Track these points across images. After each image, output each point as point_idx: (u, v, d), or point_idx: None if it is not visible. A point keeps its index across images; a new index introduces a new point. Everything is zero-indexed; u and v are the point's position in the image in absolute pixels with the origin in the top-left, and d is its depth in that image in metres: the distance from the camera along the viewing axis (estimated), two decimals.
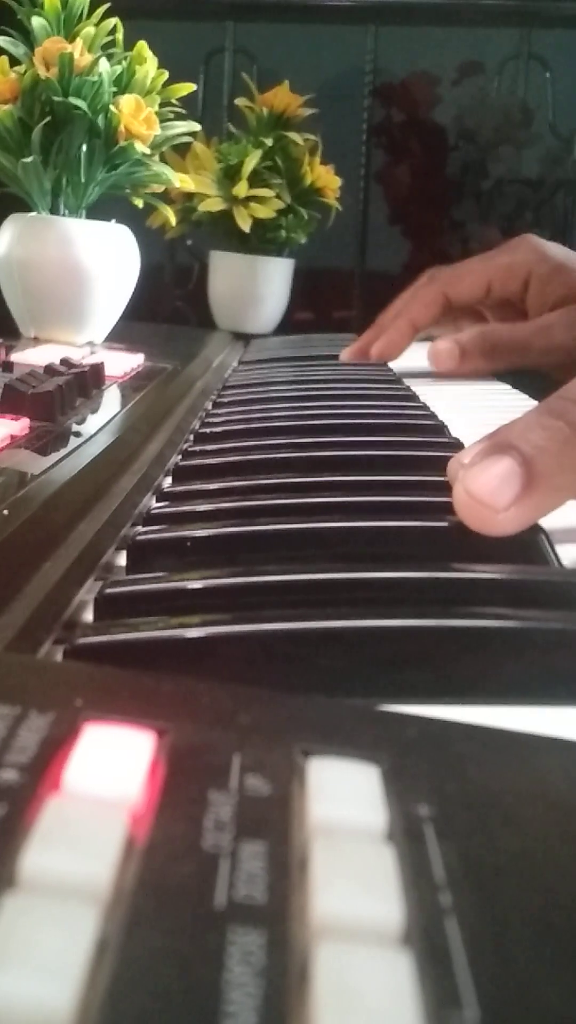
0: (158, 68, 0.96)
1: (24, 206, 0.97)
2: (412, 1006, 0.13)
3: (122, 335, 1.01)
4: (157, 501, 0.46)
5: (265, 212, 1.29)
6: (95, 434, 0.51)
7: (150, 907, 0.14)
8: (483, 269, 0.91)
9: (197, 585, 0.33)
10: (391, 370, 0.89)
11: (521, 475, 0.35)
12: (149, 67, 0.95)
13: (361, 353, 0.96)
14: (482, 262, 0.92)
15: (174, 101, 0.99)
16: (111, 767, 0.17)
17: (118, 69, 0.93)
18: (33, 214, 0.96)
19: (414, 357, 0.93)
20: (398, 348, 0.93)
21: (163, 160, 1.01)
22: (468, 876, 0.15)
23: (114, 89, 0.92)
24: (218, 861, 0.15)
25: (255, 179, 1.29)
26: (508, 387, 0.87)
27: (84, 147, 0.93)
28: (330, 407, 0.67)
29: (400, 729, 0.20)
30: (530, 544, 0.37)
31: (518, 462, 0.35)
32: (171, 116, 0.98)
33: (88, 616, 0.33)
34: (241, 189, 1.28)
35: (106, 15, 0.93)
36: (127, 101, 0.91)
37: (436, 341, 0.89)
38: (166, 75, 0.97)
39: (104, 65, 0.90)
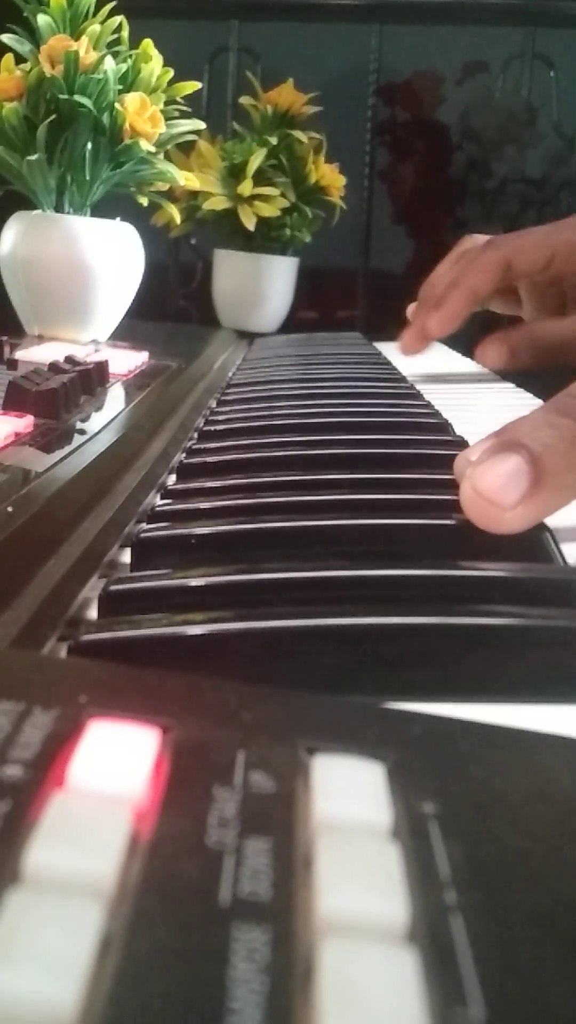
0: (163, 66, 0.96)
1: (29, 204, 0.97)
2: (417, 1003, 0.13)
3: (126, 333, 1.01)
4: (161, 498, 0.46)
5: (269, 210, 1.29)
6: (99, 432, 0.51)
7: (154, 904, 0.14)
8: (547, 242, 0.83)
9: (201, 582, 0.33)
10: (395, 368, 0.89)
11: (529, 473, 0.35)
12: (154, 65, 0.95)
13: (420, 336, 0.90)
14: (546, 234, 0.84)
15: (179, 99, 0.99)
16: (115, 763, 0.17)
17: (123, 67, 0.93)
18: (38, 212, 0.96)
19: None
20: (458, 319, 0.86)
21: (168, 158, 1.01)
22: (473, 874, 0.15)
23: (119, 87, 0.92)
24: (222, 858, 0.15)
25: (259, 177, 1.29)
26: (512, 385, 0.87)
27: (89, 145, 0.93)
28: (334, 405, 0.67)
29: (405, 727, 0.20)
30: (535, 542, 0.37)
31: (526, 460, 0.35)
32: (176, 114, 0.98)
33: (92, 613, 0.33)
34: (245, 187, 1.28)
35: (111, 13, 0.94)
36: (132, 99, 0.91)
37: (484, 341, 0.85)
38: (171, 73, 0.97)
39: (109, 63, 0.90)
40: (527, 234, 0.85)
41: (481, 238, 0.89)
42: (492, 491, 0.35)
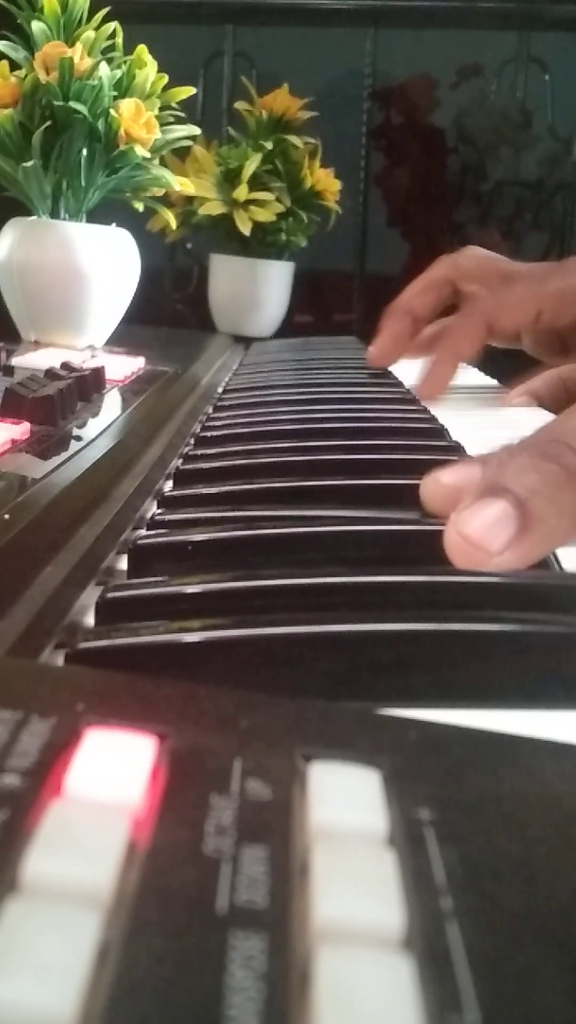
0: (158, 72, 0.96)
1: (25, 210, 0.97)
2: (413, 1010, 0.13)
3: (122, 338, 1.01)
4: (158, 505, 0.46)
5: (265, 215, 1.30)
6: (96, 438, 0.51)
7: (152, 911, 0.14)
8: (533, 297, 0.80)
9: (198, 589, 0.33)
10: (391, 373, 0.89)
11: (516, 518, 0.35)
12: (149, 71, 0.95)
13: (389, 359, 0.90)
14: (531, 288, 0.82)
15: (174, 105, 0.99)
16: (113, 772, 0.17)
17: (118, 73, 0.93)
18: (33, 218, 0.96)
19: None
20: (444, 384, 0.83)
21: (163, 164, 1.01)
22: (469, 880, 0.15)
23: (114, 93, 0.92)
24: (219, 865, 0.15)
25: (255, 182, 1.29)
26: (506, 389, 0.87)
27: (84, 151, 0.93)
28: (331, 410, 0.67)
29: (401, 733, 0.20)
30: None
31: (512, 505, 0.35)
32: (171, 120, 0.98)
33: (89, 620, 0.33)
34: (241, 192, 1.28)
35: (106, 19, 0.94)
36: (127, 105, 0.91)
37: (511, 392, 0.83)
38: (166, 79, 0.97)
39: (104, 69, 0.90)
40: (510, 288, 0.83)
41: (454, 259, 0.89)
42: (478, 536, 0.34)
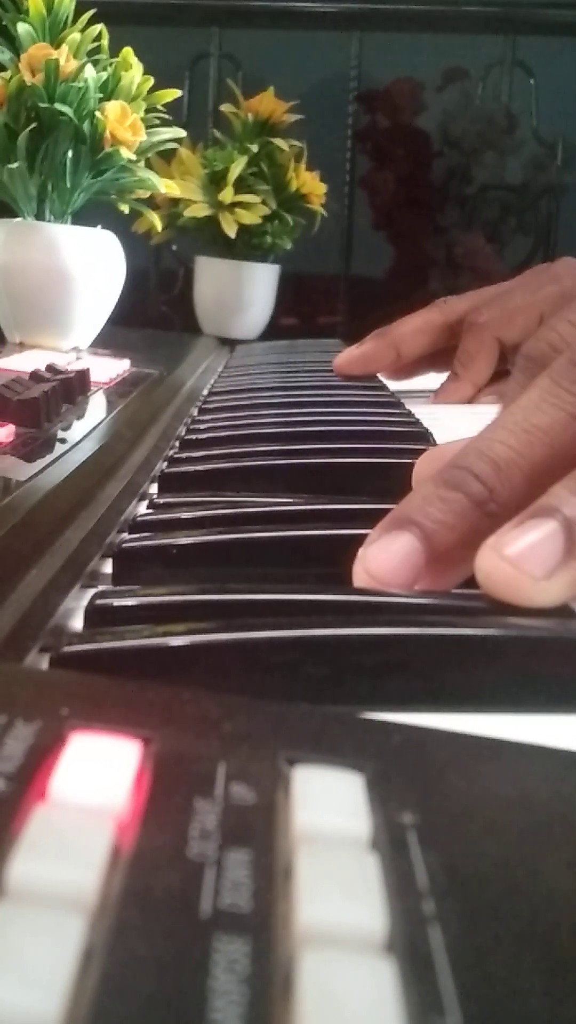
0: (143, 74, 0.96)
1: (9, 212, 0.97)
2: (395, 1013, 0.13)
3: (108, 340, 1.01)
4: (143, 508, 0.46)
5: (250, 218, 1.30)
6: (81, 441, 0.51)
7: (136, 915, 0.14)
8: (533, 304, 0.80)
9: (183, 594, 0.33)
10: (376, 377, 0.89)
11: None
12: (134, 73, 0.95)
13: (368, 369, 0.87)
14: (528, 296, 0.81)
15: (159, 107, 0.99)
16: (97, 776, 0.17)
17: (103, 75, 0.93)
18: (19, 220, 0.96)
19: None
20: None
21: (149, 166, 1.01)
22: (451, 884, 0.15)
23: (100, 95, 0.92)
24: (203, 869, 0.15)
25: (240, 185, 1.30)
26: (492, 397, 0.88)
27: (70, 153, 0.93)
28: (316, 414, 0.67)
29: (384, 737, 0.20)
30: None
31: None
32: (156, 122, 0.98)
33: (75, 623, 0.33)
34: (227, 195, 1.28)
35: (91, 21, 0.94)
36: (113, 107, 0.91)
37: (483, 392, 0.82)
38: (151, 81, 0.97)
39: (90, 71, 0.90)
40: (507, 300, 0.82)
41: (452, 303, 0.86)
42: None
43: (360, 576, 0.34)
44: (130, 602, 0.34)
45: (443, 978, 0.13)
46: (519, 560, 0.31)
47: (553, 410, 0.36)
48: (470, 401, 0.83)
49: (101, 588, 0.35)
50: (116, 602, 0.33)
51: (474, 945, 0.14)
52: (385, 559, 0.33)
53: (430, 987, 0.13)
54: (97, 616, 0.33)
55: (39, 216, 0.96)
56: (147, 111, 0.97)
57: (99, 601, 0.33)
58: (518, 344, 0.79)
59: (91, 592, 0.34)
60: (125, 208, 1.01)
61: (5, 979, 0.13)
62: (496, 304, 0.82)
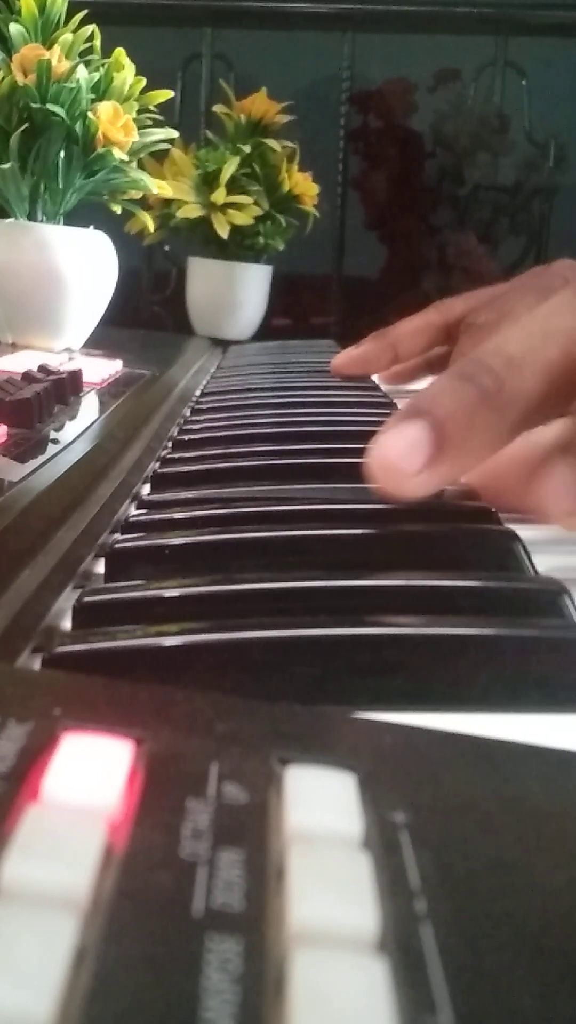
0: (136, 74, 0.96)
1: (1, 212, 0.97)
2: (387, 1012, 0.13)
3: (100, 341, 1.01)
4: (135, 509, 0.46)
5: (243, 219, 1.30)
6: (73, 441, 0.51)
7: (128, 915, 0.14)
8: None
9: (175, 593, 0.33)
10: (369, 378, 0.89)
11: (431, 440, 0.35)
12: (127, 74, 0.95)
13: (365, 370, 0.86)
14: (530, 303, 0.80)
15: (152, 108, 0.99)
16: (89, 776, 0.17)
17: (96, 76, 0.93)
18: (11, 220, 0.96)
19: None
20: None
21: (141, 167, 1.01)
22: (443, 883, 0.15)
23: (92, 96, 0.92)
24: (196, 869, 0.15)
25: (233, 186, 1.30)
26: None
27: (62, 154, 0.93)
28: (308, 414, 0.67)
29: (376, 737, 0.20)
30: (506, 552, 0.37)
31: (429, 426, 0.35)
32: (149, 123, 0.98)
33: (67, 624, 0.33)
34: (219, 196, 1.28)
35: (83, 22, 0.94)
36: (105, 108, 0.91)
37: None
38: (144, 82, 0.97)
39: (82, 72, 0.90)
40: (504, 303, 0.77)
41: (449, 304, 0.85)
42: (395, 457, 0.35)
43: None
44: (117, 599, 0.34)
45: (435, 977, 0.13)
46: (393, 460, 0.35)
47: (571, 316, 0.37)
48: None
49: (89, 586, 0.35)
50: (104, 599, 0.33)
51: (466, 944, 0.14)
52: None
53: (422, 986, 0.13)
54: (85, 614, 0.33)
55: (31, 217, 0.96)
56: (139, 112, 0.97)
57: (87, 599, 0.33)
58: None
59: None
60: (117, 209, 1.01)
61: None
62: (495, 306, 0.82)
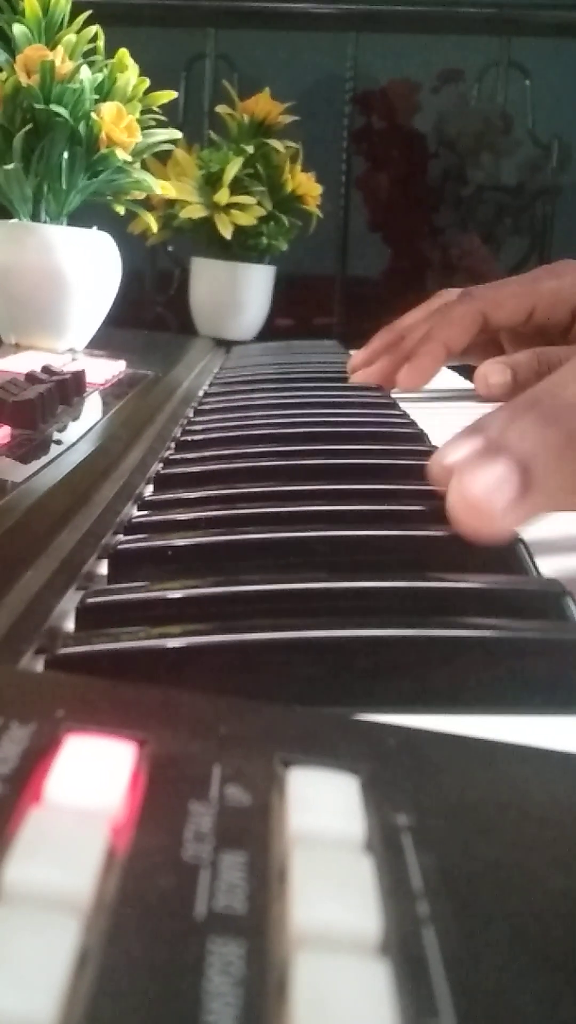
0: (139, 75, 0.96)
1: (5, 213, 0.97)
2: (390, 1015, 0.13)
3: (103, 342, 1.01)
4: (138, 510, 0.46)
5: (246, 219, 1.30)
6: (76, 442, 0.51)
7: (131, 918, 0.14)
8: (527, 292, 0.80)
9: (177, 594, 0.33)
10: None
11: (518, 479, 0.35)
12: (130, 75, 0.95)
13: (384, 378, 0.84)
14: (525, 285, 0.81)
15: (155, 108, 0.99)
16: (92, 778, 0.17)
17: (99, 77, 0.93)
18: (14, 221, 0.96)
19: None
20: (428, 375, 0.81)
21: (144, 167, 1.01)
22: (445, 885, 0.16)
23: (95, 97, 0.92)
24: (198, 872, 0.15)
25: (236, 186, 1.30)
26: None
27: (65, 154, 0.93)
28: (311, 415, 0.67)
29: (379, 739, 0.20)
30: (509, 554, 0.37)
31: (514, 466, 0.35)
32: (152, 123, 0.98)
33: (69, 625, 0.33)
34: (222, 196, 1.28)
35: (87, 22, 0.94)
36: (108, 108, 0.91)
37: (485, 363, 0.79)
38: (147, 83, 0.97)
39: (85, 73, 0.90)
40: (504, 285, 0.82)
41: (456, 292, 0.86)
42: (481, 496, 0.35)
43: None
44: (120, 600, 0.34)
45: (437, 980, 0.14)
46: (478, 499, 0.35)
47: None
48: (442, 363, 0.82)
49: (92, 587, 0.35)
50: (107, 600, 0.33)
51: (468, 947, 0.14)
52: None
53: (424, 989, 0.13)
54: (88, 615, 0.33)
55: (35, 217, 0.96)
56: (143, 112, 0.97)
57: (90, 600, 0.33)
58: (504, 326, 0.80)
59: None
60: (121, 209, 1.01)
61: (0, 982, 0.13)
62: (491, 286, 0.83)
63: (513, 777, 0.19)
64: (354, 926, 0.14)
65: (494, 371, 0.77)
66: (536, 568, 0.38)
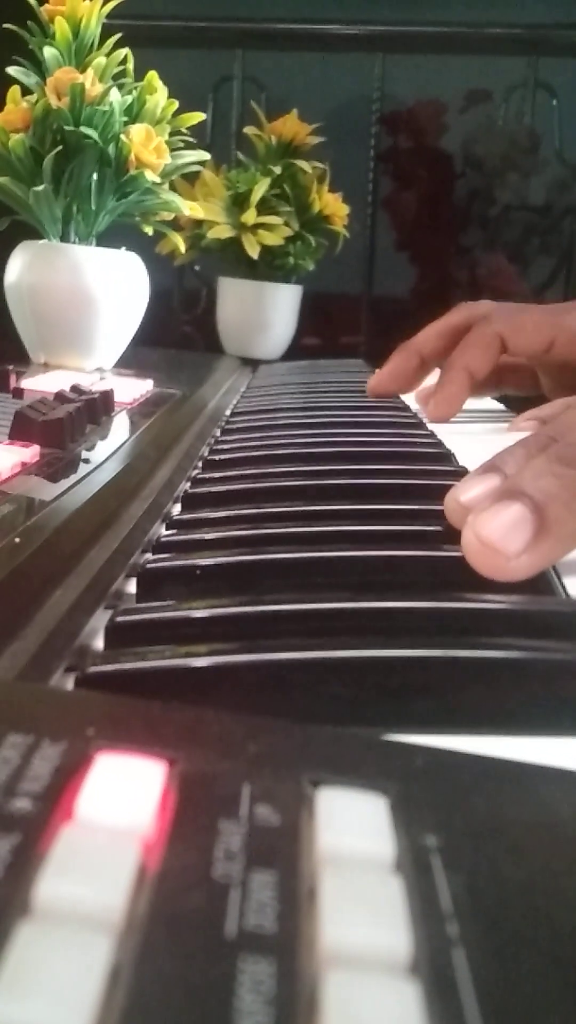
0: (168, 96, 0.97)
1: (35, 234, 0.98)
2: None
3: (131, 361, 1.01)
4: (166, 529, 0.46)
5: (273, 239, 1.30)
6: (104, 461, 0.51)
7: (162, 936, 0.14)
8: (549, 324, 0.78)
9: (206, 614, 0.33)
10: (398, 397, 0.89)
11: (533, 522, 0.35)
12: (159, 97, 0.96)
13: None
14: (548, 315, 0.79)
15: (184, 130, 0.99)
16: (123, 796, 0.17)
17: (128, 99, 0.94)
18: (44, 241, 0.97)
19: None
20: (458, 403, 0.80)
21: (172, 188, 1.02)
22: (475, 906, 0.16)
23: (125, 119, 0.93)
24: (228, 890, 0.15)
25: (263, 206, 1.30)
26: (513, 413, 0.87)
27: (95, 176, 0.94)
28: (338, 434, 0.67)
29: (408, 759, 0.20)
30: (537, 575, 0.37)
31: (529, 509, 0.35)
32: (180, 145, 0.99)
33: (99, 644, 0.33)
34: (250, 216, 1.29)
35: (117, 45, 0.95)
36: (137, 130, 0.92)
37: (517, 420, 0.79)
38: (176, 105, 0.98)
39: (115, 95, 0.91)
40: (527, 311, 0.81)
41: (473, 306, 0.86)
42: (495, 539, 0.35)
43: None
44: (149, 619, 0.34)
45: (467, 1001, 0.14)
46: (493, 541, 0.35)
47: None
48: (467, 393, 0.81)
49: (121, 606, 0.36)
50: (136, 619, 0.34)
51: (498, 968, 0.14)
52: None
53: (454, 1010, 0.13)
54: (117, 634, 0.33)
55: (64, 238, 0.97)
56: (171, 134, 0.98)
57: (119, 619, 0.33)
58: (523, 353, 0.79)
59: None
60: (149, 230, 1.02)
61: (32, 998, 0.13)
62: (513, 310, 0.82)
63: (542, 798, 0.19)
64: (384, 946, 0.14)
65: (527, 429, 0.76)
66: (565, 589, 0.37)
